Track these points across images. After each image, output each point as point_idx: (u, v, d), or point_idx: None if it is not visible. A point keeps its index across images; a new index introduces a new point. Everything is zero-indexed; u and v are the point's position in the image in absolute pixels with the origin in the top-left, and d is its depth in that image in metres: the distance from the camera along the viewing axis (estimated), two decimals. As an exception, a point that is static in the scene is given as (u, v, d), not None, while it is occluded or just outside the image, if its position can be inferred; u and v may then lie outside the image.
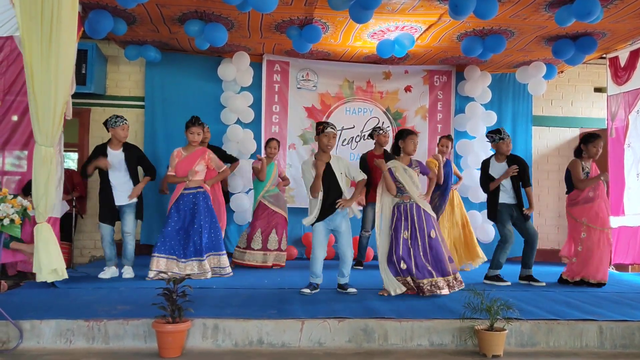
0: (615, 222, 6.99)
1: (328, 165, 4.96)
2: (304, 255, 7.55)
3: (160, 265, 5.48)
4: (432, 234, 4.91)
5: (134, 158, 5.72)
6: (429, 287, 4.75)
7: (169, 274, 5.31)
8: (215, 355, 3.65)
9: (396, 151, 5.15)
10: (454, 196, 6.79)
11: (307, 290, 4.90)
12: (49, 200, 3.92)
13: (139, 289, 4.94)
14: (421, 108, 8.11)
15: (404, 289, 4.84)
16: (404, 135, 5.08)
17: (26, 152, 4.85)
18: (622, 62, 6.98)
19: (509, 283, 5.65)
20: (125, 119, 5.71)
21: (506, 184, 5.78)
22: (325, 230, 4.98)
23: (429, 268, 4.80)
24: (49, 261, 3.87)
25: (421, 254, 4.84)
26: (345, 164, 5.07)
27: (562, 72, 8.11)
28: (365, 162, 6.68)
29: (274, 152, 6.63)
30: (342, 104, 8.00)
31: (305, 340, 3.85)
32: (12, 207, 3.92)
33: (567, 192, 5.86)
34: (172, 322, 3.61)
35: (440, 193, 6.56)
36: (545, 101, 8.44)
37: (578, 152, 5.82)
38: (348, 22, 6.11)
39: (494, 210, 5.81)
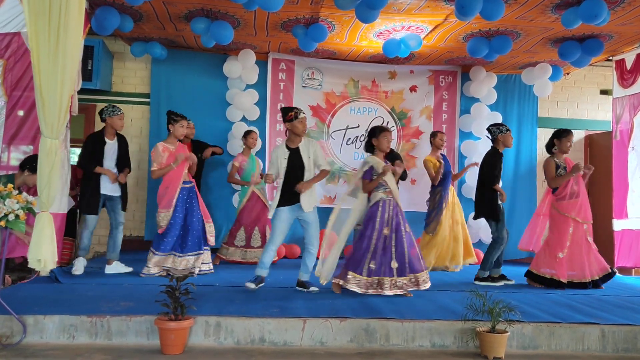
0: (618, 225, 6.97)
1: (296, 150, 4.94)
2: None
3: (158, 261, 5.49)
4: (407, 228, 4.89)
5: (124, 148, 5.81)
6: (388, 286, 4.70)
7: (164, 270, 5.43)
8: (217, 353, 3.66)
9: (369, 149, 5.09)
10: (452, 194, 6.79)
11: (252, 285, 4.82)
12: (52, 191, 3.97)
13: (142, 286, 4.96)
14: (426, 108, 8.10)
15: (338, 290, 4.81)
16: (376, 132, 5.02)
17: (32, 147, 4.87)
18: (629, 65, 6.95)
19: (512, 281, 5.74)
20: (121, 109, 5.79)
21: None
22: (289, 216, 4.91)
23: (394, 266, 4.74)
24: (37, 250, 3.89)
25: (396, 250, 4.79)
26: (315, 149, 5.00)
27: (567, 73, 8.08)
28: None
29: (254, 144, 6.78)
30: (347, 103, 7.99)
31: (307, 339, 3.86)
32: (17, 202, 3.95)
33: (554, 191, 5.73)
34: (175, 320, 3.63)
35: (441, 189, 6.61)
36: (550, 103, 8.42)
37: (550, 148, 5.78)
38: (354, 21, 6.10)
39: (495, 208, 5.78)
